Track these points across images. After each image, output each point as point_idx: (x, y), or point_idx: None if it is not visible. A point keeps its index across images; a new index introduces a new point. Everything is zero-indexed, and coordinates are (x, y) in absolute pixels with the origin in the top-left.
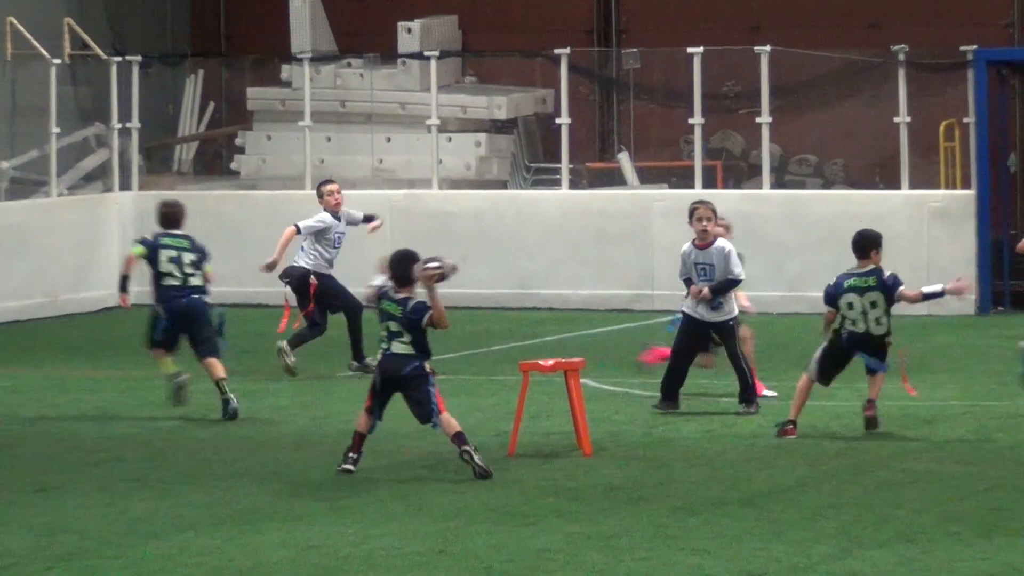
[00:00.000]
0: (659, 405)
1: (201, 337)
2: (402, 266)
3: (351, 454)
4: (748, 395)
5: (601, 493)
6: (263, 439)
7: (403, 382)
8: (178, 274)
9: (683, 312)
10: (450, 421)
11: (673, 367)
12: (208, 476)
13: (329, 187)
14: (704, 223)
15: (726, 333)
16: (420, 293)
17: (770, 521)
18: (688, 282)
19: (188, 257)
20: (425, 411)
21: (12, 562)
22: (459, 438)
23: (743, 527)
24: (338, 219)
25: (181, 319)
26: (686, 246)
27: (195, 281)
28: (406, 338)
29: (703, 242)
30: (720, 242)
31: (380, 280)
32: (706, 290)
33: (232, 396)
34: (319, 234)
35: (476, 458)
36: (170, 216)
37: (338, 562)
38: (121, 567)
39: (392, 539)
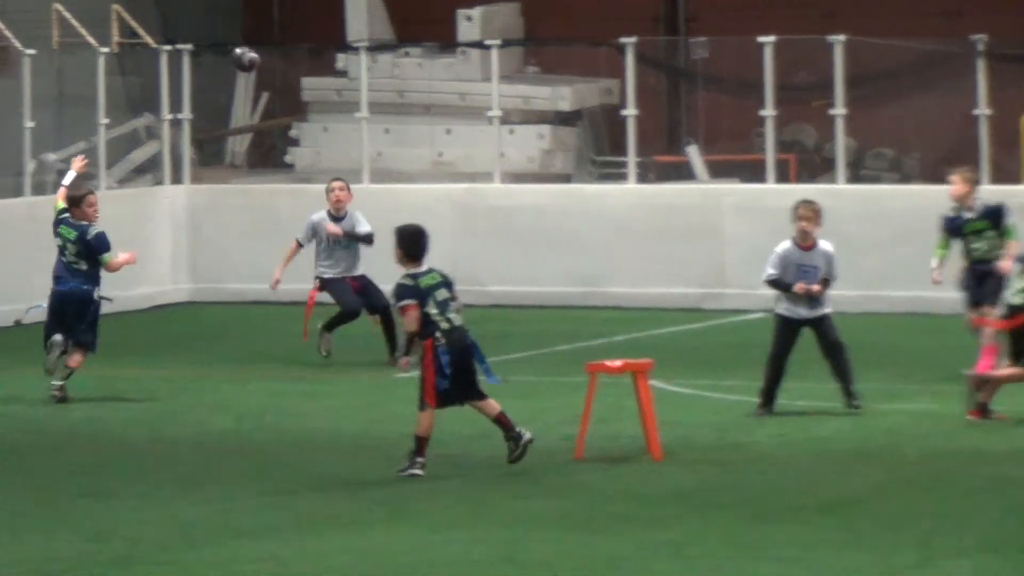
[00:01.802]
0: (758, 411)
1: None
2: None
3: (418, 458)
4: (853, 390)
5: (672, 499)
6: (320, 442)
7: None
8: None
9: (778, 314)
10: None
11: (774, 371)
12: (264, 480)
13: (333, 184)
14: (806, 223)
15: (826, 325)
16: None
17: (847, 529)
18: (777, 283)
19: None
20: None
21: (62, 568)
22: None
23: (819, 535)
24: (337, 219)
25: None
26: (785, 245)
27: None
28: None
29: (805, 243)
30: (824, 244)
31: None
32: (817, 287)
33: None
34: (318, 236)
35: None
36: None
37: (399, 569)
38: (174, 573)
39: (456, 546)
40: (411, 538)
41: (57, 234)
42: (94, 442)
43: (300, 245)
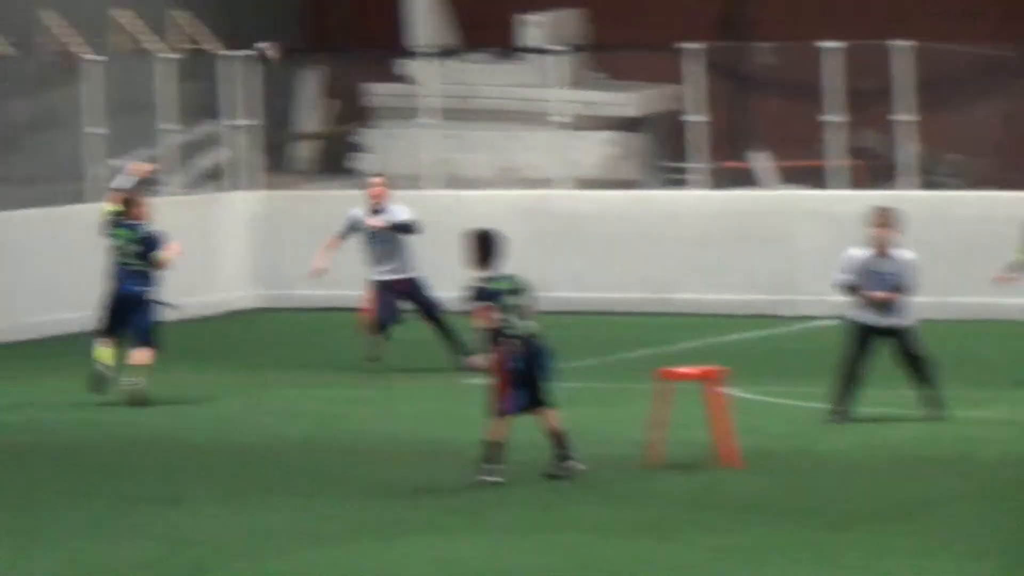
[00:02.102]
0: (833, 417)
1: None
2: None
3: (493, 464)
4: (936, 397)
5: (744, 506)
6: (395, 448)
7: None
8: None
9: (849, 320)
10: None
11: (847, 377)
12: (340, 486)
13: (370, 180)
14: (879, 230)
15: (907, 338)
16: None
17: (925, 536)
18: (847, 288)
19: None
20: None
21: (139, 574)
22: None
23: (896, 542)
24: (376, 214)
25: None
26: (860, 251)
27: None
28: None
29: (881, 250)
30: (903, 252)
31: None
32: (886, 294)
33: None
34: (362, 233)
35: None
36: None
37: None
38: None
39: (531, 553)
40: (485, 544)
41: (111, 236)
42: (171, 448)
43: (341, 239)
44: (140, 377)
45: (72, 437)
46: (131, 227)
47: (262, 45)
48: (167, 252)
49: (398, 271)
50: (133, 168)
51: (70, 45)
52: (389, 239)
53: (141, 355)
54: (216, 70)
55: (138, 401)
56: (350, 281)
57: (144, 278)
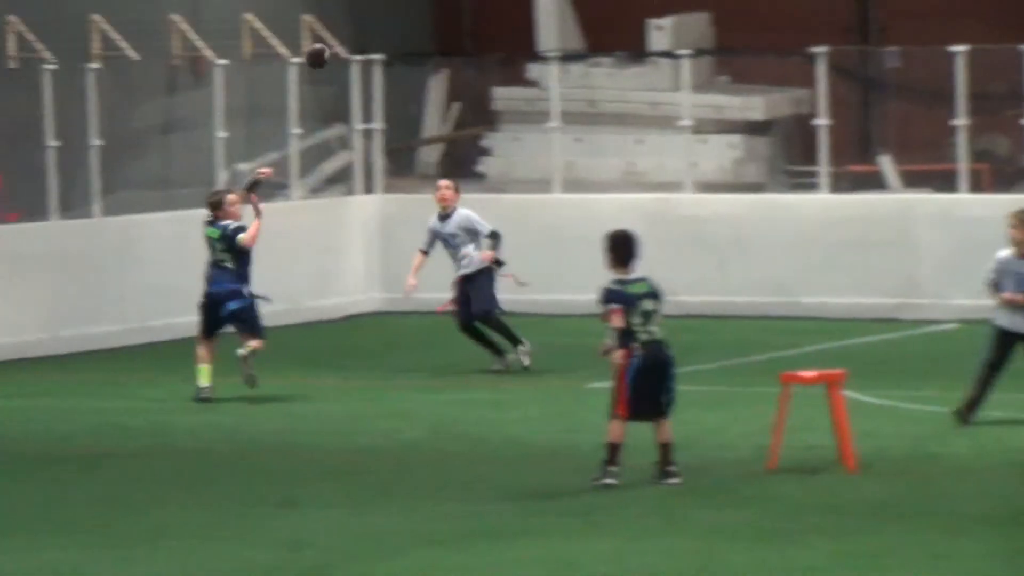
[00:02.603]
0: (964, 418)
1: None
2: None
3: (611, 467)
4: None
5: (866, 510)
6: (512, 451)
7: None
8: None
9: (993, 324)
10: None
11: (984, 381)
12: (457, 489)
13: (439, 183)
14: (1014, 232)
15: None
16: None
17: None
18: (992, 287)
19: None
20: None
21: None
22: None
23: (1016, 546)
24: (445, 217)
25: None
26: (1005, 252)
27: None
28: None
29: (1021, 251)
30: None
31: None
32: (1019, 296)
33: None
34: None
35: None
36: None
37: None
38: None
39: (650, 556)
40: (604, 548)
41: (205, 237)
42: (288, 451)
43: (424, 253)
44: (250, 361)
45: (193, 440)
46: (219, 226)
47: (317, 47)
48: (251, 231)
49: (459, 268)
50: (261, 172)
51: (202, 50)
52: (453, 244)
53: (253, 342)
54: (345, 74)
55: (251, 383)
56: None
57: (235, 275)
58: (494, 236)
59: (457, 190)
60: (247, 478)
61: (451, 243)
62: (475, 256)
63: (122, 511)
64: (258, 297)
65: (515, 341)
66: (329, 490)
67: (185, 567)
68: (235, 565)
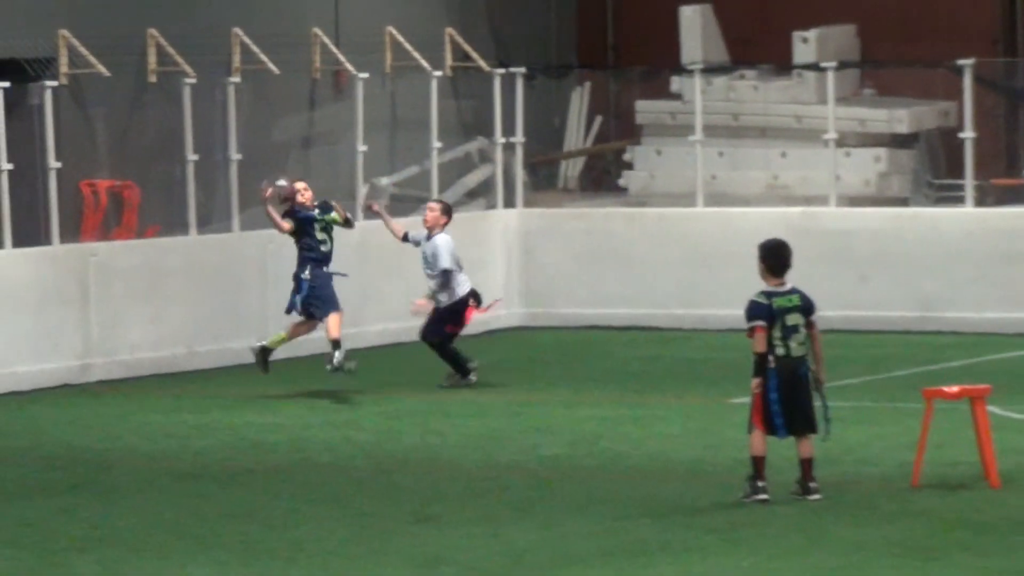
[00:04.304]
0: None
1: None
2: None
3: (758, 482)
4: None
5: (1011, 527)
6: (652, 468)
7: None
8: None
9: None
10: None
11: None
12: (596, 506)
13: (428, 204)
14: None
15: None
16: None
17: None
18: None
19: None
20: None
21: None
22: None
23: None
24: (428, 239)
25: None
26: None
27: None
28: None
29: None
30: None
31: None
32: None
33: None
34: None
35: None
36: None
37: None
38: None
39: (791, 573)
40: (745, 565)
41: (311, 232)
42: (426, 467)
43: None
44: (335, 351)
45: (330, 455)
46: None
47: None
48: (336, 210)
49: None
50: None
51: (344, 63)
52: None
53: (332, 322)
54: (487, 87)
55: (338, 368)
56: (614, 299)
57: (303, 260)
58: (444, 275)
59: (445, 212)
60: (385, 494)
61: (427, 262)
62: (458, 290)
63: (259, 527)
64: (336, 274)
65: (464, 372)
66: (468, 507)
67: None
68: None
